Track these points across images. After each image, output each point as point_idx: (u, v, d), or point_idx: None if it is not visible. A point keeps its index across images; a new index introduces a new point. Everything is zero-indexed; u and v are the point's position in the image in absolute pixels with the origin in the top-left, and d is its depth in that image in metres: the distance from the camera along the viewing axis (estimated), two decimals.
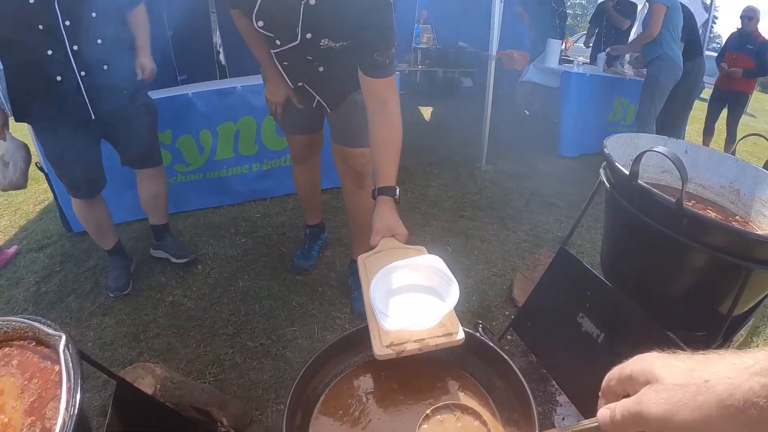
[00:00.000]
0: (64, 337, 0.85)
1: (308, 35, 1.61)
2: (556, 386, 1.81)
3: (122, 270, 2.53)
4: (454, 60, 8.04)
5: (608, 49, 5.04)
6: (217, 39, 5.03)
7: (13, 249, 2.95)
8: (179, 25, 4.12)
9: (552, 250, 2.77)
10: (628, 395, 0.52)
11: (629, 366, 0.53)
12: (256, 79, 2.44)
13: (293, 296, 2.42)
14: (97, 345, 2.12)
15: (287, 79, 1.90)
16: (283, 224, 3.16)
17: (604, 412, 0.53)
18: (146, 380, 1.55)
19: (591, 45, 6.24)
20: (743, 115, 5.93)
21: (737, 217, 1.53)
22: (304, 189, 2.53)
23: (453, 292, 0.97)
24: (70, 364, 0.81)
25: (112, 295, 2.44)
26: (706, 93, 5.75)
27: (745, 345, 2.11)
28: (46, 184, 3.02)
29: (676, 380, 0.46)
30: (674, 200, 1.03)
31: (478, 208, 3.51)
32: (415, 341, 0.90)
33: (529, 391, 0.90)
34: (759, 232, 1.36)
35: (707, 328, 1.38)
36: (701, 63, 4.62)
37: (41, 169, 2.89)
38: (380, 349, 0.90)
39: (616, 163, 1.21)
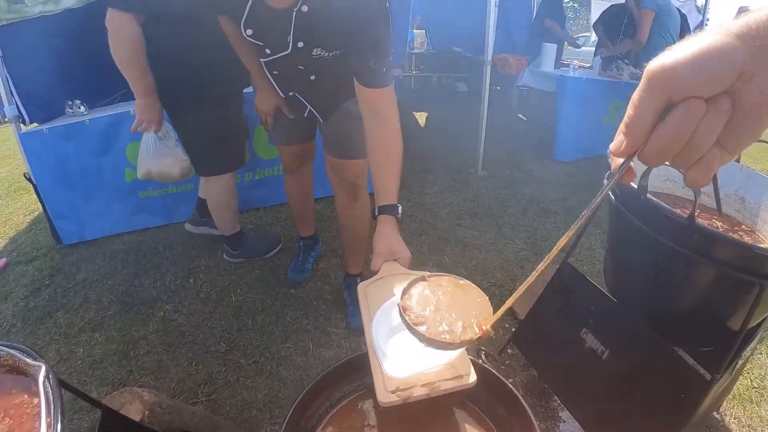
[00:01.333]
0: (44, 368, 0.79)
1: (300, 44, 1.55)
2: (559, 402, 1.76)
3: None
4: (448, 65, 8.02)
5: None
6: None
7: (2, 261, 2.89)
8: None
9: (552, 261, 2.72)
10: None
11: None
12: (247, 88, 2.41)
13: (287, 311, 2.36)
14: (87, 363, 2.06)
15: (277, 89, 1.85)
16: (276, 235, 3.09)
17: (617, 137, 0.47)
18: (134, 406, 1.48)
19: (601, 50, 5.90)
20: None
21: (743, 225, 1.48)
22: (296, 200, 2.47)
23: None
24: (51, 397, 0.76)
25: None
26: None
27: (753, 356, 2.07)
28: (35, 195, 2.95)
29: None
30: (686, 216, 0.98)
31: (475, 215, 3.46)
32: (422, 386, 0.84)
33: (534, 421, 0.85)
34: None
35: (715, 343, 1.33)
36: None
37: (29, 179, 2.83)
38: (385, 396, 0.83)
39: None
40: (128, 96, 3.19)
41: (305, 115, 1.95)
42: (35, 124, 2.85)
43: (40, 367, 0.79)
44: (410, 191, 3.84)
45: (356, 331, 2.17)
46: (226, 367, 2.02)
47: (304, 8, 1.43)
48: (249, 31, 1.53)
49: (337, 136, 1.95)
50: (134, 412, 1.46)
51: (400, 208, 1.31)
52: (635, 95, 0.43)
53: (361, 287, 1.09)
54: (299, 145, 2.20)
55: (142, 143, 2.28)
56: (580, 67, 5.57)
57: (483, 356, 0.98)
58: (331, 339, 2.18)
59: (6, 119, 2.88)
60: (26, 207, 3.83)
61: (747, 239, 1.36)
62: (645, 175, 1.05)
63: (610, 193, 1.30)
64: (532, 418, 0.84)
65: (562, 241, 0.57)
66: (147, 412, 1.47)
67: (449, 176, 4.26)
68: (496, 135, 5.00)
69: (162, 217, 3.22)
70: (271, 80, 1.80)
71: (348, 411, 0.97)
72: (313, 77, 1.75)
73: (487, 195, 3.86)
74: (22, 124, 2.78)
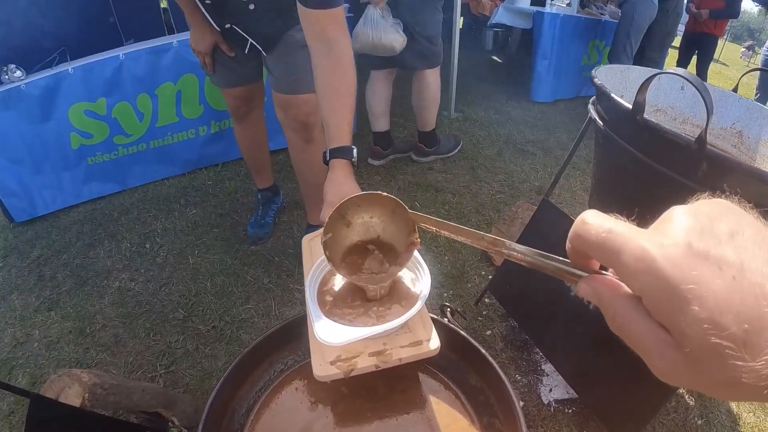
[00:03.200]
0: None
1: None
2: (541, 354, 1.65)
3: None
4: None
5: None
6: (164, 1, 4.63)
7: None
8: None
9: (530, 202, 2.58)
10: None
11: (615, 240, 0.31)
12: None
13: (247, 270, 2.22)
14: (43, 345, 1.93)
15: (212, 22, 1.61)
16: (236, 190, 2.91)
17: (587, 291, 0.36)
18: (73, 390, 1.33)
19: None
20: (715, 63, 5.74)
21: None
22: (249, 149, 2.27)
23: (423, 284, 0.73)
24: None
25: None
26: (677, 41, 5.54)
27: None
28: None
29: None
30: (693, 139, 0.80)
31: (447, 158, 3.30)
32: (370, 354, 0.67)
33: (512, 392, 0.71)
34: None
35: None
36: (680, 4, 4.37)
37: None
38: (321, 369, 0.66)
39: (614, 95, 0.96)
40: (67, 55, 2.90)
41: (246, 51, 1.72)
42: None
43: None
44: None
45: None
46: (185, 335, 1.89)
47: None
48: None
49: (284, 69, 1.74)
50: (74, 396, 1.32)
51: (354, 150, 1.11)
52: (619, 328, 0.33)
53: (306, 240, 0.91)
54: (244, 86, 1.97)
55: (363, 17, 2.57)
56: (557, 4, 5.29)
57: (449, 314, 0.82)
58: (294, 297, 2.04)
59: None
60: None
61: None
62: (642, 89, 0.87)
63: (596, 117, 1.13)
64: (509, 387, 0.70)
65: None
66: (87, 395, 1.33)
67: None
68: (471, 77, 4.79)
69: (115, 183, 2.99)
70: (204, 12, 1.56)
71: (288, 386, 0.81)
72: (252, 6, 1.51)
73: (460, 137, 3.67)
74: None
